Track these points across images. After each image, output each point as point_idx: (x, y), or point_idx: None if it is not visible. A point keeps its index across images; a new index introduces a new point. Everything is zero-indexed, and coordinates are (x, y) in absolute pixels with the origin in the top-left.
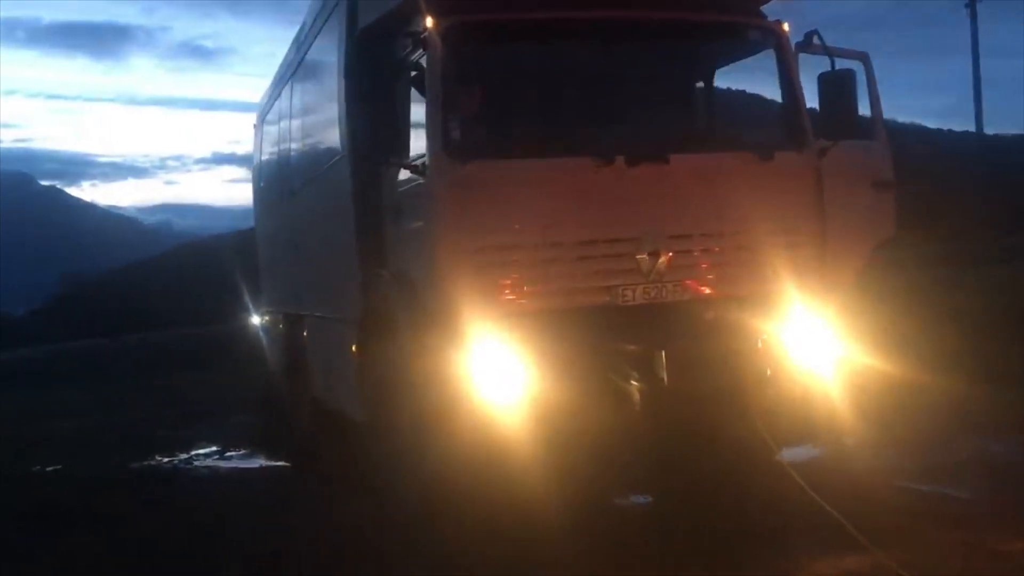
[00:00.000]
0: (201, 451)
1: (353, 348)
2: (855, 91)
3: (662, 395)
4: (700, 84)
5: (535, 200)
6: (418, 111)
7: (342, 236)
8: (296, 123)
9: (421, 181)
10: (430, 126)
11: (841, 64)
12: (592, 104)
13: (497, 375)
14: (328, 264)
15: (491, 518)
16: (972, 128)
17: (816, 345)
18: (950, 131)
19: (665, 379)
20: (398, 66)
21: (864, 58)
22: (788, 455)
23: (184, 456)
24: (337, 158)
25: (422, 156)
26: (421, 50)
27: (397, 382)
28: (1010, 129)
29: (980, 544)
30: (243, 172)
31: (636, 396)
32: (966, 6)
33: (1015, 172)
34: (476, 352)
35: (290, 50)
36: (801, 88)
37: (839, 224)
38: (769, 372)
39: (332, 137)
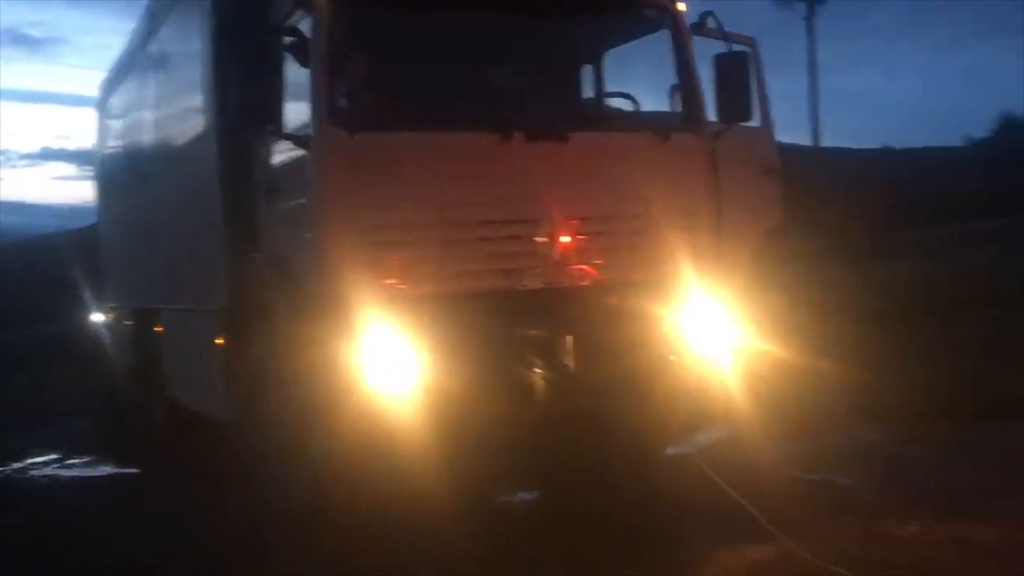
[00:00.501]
0: (38, 459)
1: (220, 341)
2: (750, 74)
3: (568, 382)
4: (594, 63)
5: (429, 176)
6: (298, 79)
7: (207, 219)
8: (149, 100)
9: (303, 154)
10: (314, 94)
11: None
12: (487, 78)
13: (389, 364)
14: (190, 251)
15: (382, 513)
16: (800, 141)
17: (715, 331)
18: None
19: (571, 366)
20: (274, 30)
21: (752, 43)
22: (687, 444)
23: (18, 465)
24: (200, 133)
25: (305, 127)
26: (302, 11)
27: (275, 375)
28: (842, 143)
29: (877, 530)
30: (74, 169)
31: (540, 384)
32: (804, 19)
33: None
34: (366, 340)
35: (141, 22)
36: (696, 69)
37: (732, 209)
38: (673, 358)
39: (194, 111)
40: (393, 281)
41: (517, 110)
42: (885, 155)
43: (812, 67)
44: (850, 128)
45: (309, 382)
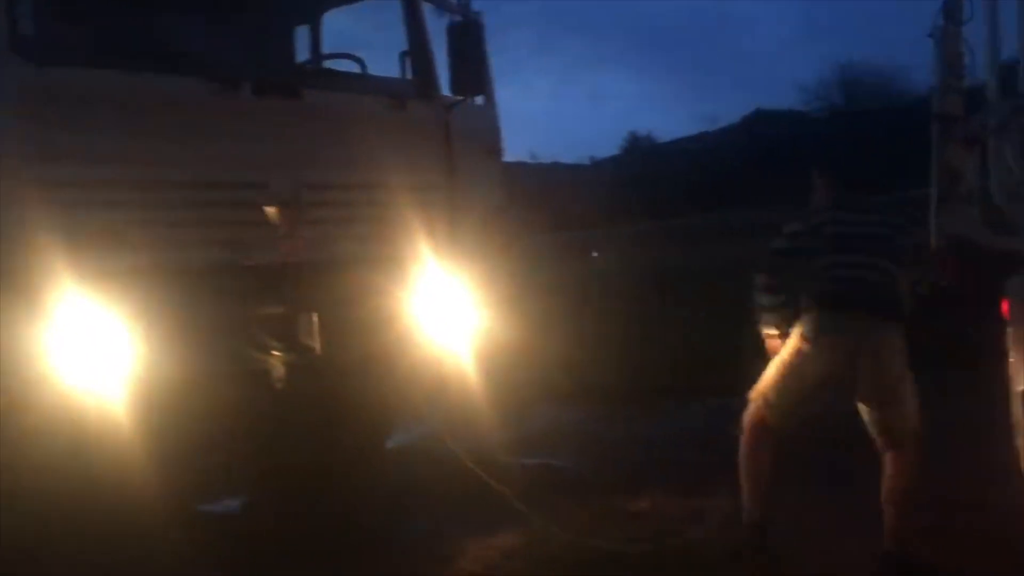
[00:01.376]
0: None
1: None
2: (485, 45)
3: (313, 366)
4: (316, 21)
5: (139, 125)
6: None
7: None
8: None
9: None
10: None
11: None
12: (210, 19)
13: (91, 353)
14: None
15: (65, 535)
16: None
17: (452, 312)
18: None
19: (317, 347)
20: None
21: (478, 18)
22: (417, 430)
23: None
24: None
25: None
26: None
27: None
28: None
29: (612, 508)
30: None
31: (280, 370)
32: None
33: None
34: (59, 323)
35: None
36: (429, 35)
37: (461, 186)
38: (411, 339)
39: None
40: (92, 251)
41: (243, 58)
42: (522, 168)
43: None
44: None
45: None
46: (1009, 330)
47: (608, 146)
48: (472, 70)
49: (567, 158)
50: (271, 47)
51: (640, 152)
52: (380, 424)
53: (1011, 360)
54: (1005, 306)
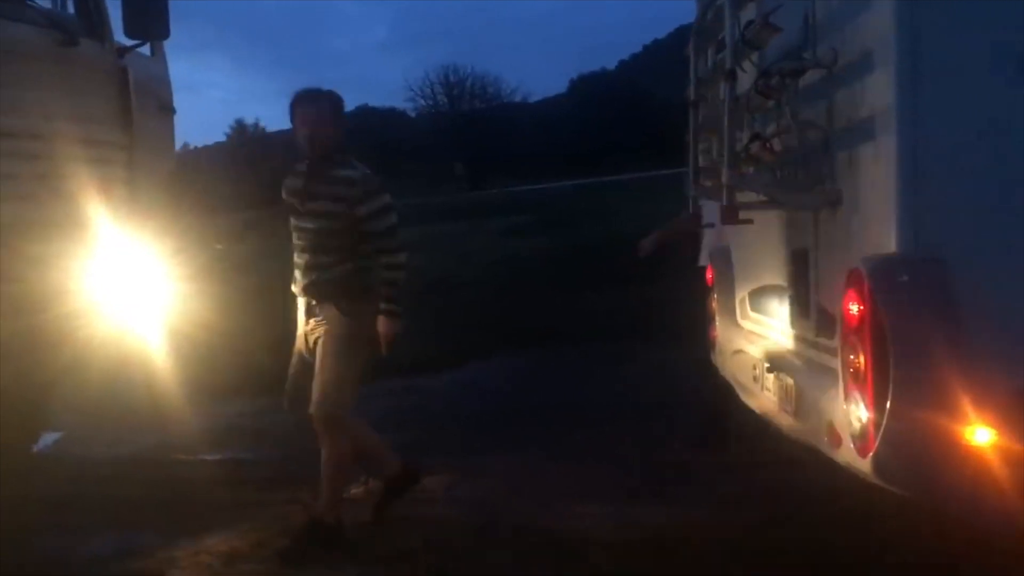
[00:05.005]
0: None
1: None
2: None
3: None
4: None
5: None
6: None
7: None
8: None
9: None
10: None
11: None
12: None
13: None
14: None
15: None
16: None
17: (132, 286)
18: None
19: None
20: None
21: None
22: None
23: None
24: None
25: None
26: None
27: None
28: None
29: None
30: None
31: None
32: None
33: None
34: None
35: None
36: None
37: (141, 144)
38: (84, 320)
39: None
40: None
41: None
42: None
43: None
44: None
45: None
46: (714, 295)
47: (212, 133)
48: (152, 9)
49: None
50: None
51: (247, 140)
52: (33, 420)
53: (716, 324)
54: (709, 273)
